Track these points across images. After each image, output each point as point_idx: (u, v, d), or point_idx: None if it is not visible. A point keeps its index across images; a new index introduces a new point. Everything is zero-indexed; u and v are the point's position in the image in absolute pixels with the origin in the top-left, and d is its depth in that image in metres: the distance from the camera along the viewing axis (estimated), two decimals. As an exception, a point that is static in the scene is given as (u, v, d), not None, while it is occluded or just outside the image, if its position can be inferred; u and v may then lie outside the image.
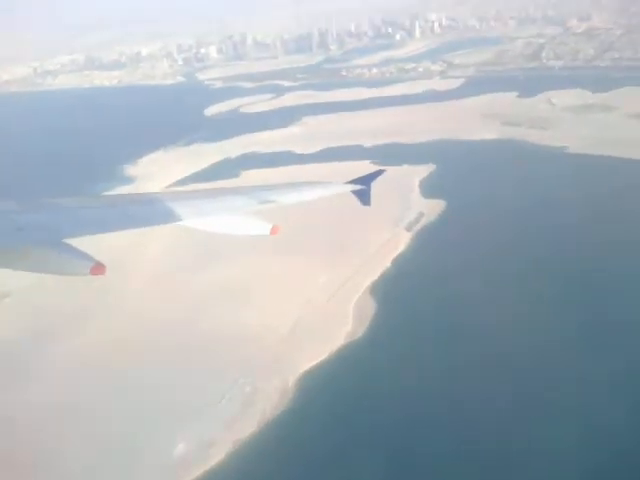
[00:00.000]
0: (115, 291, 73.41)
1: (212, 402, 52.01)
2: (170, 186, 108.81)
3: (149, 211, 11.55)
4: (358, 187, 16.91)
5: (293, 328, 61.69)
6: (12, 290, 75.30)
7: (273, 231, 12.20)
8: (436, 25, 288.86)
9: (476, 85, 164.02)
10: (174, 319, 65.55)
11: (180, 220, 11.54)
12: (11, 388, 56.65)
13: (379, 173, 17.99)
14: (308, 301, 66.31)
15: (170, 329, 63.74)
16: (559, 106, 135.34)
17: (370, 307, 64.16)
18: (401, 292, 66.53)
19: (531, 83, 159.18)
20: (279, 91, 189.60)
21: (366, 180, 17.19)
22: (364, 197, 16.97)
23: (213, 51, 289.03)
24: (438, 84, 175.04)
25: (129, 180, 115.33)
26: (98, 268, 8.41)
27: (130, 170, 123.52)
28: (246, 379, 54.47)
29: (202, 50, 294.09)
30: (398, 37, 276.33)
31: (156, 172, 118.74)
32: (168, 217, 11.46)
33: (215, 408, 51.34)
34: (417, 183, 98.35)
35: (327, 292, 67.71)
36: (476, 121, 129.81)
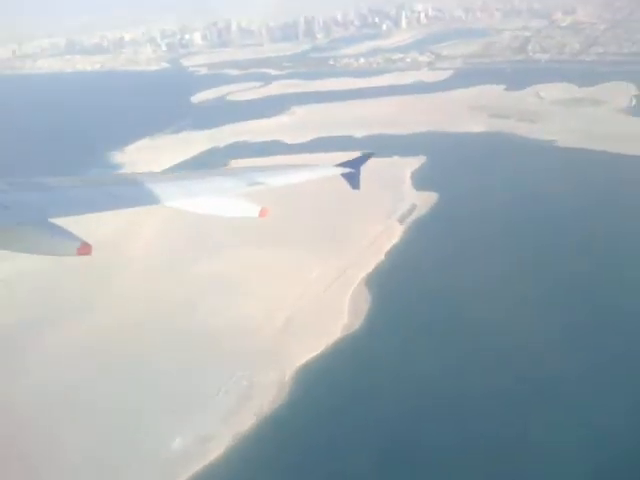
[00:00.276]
0: (105, 281, 72.39)
1: (209, 395, 51.43)
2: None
3: (138, 192, 11.32)
4: (347, 170, 16.61)
5: (288, 321, 61.26)
6: (3, 276, 73.76)
7: (262, 213, 12.04)
8: (422, 15, 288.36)
9: (464, 77, 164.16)
10: (165, 311, 64.71)
11: (168, 201, 11.38)
12: (6, 378, 55.66)
13: (368, 156, 17.84)
14: (303, 293, 65.88)
15: (162, 321, 62.90)
16: (547, 99, 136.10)
17: (365, 300, 63.96)
18: (396, 284, 66.44)
19: (519, 76, 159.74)
20: (266, 79, 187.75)
21: (355, 163, 16.88)
22: (353, 180, 16.67)
23: (197, 37, 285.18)
24: (426, 75, 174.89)
25: (116, 167, 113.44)
26: (84, 248, 8.25)
27: (117, 157, 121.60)
28: (243, 372, 53.96)
29: (186, 36, 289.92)
30: (385, 27, 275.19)
31: (144, 160, 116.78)
32: (156, 198, 11.26)
33: (212, 401, 50.79)
34: (408, 175, 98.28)
35: (321, 284, 67.34)
36: (465, 113, 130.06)
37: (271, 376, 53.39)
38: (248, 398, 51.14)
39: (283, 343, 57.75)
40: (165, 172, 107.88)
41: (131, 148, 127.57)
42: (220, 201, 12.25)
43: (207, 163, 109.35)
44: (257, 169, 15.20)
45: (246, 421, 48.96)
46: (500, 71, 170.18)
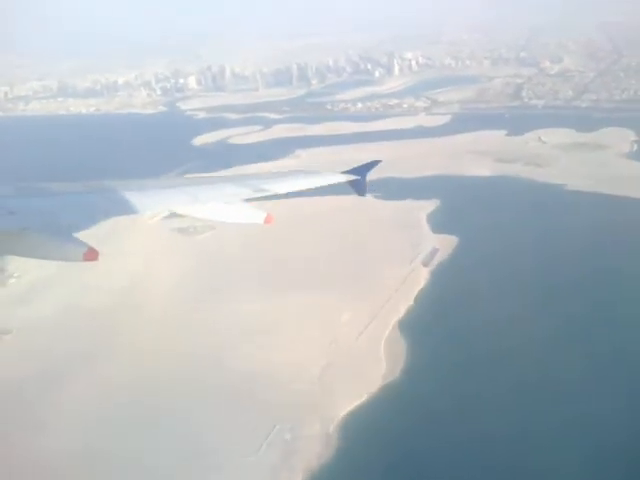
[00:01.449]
0: (123, 328, 69.81)
1: (251, 449, 48.83)
2: (168, 216, 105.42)
3: (144, 198, 11.37)
4: (353, 177, 16.84)
5: (324, 369, 59.13)
6: (13, 327, 70.87)
7: (267, 220, 12.32)
8: (413, 63, 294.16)
9: (463, 122, 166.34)
10: (192, 358, 62.32)
11: (174, 207, 11.70)
12: (14, 438, 52.14)
13: (374, 164, 18.11)
14: (335, 340, 63.99)
15: (190, 369, 60.47)
16: (549, 144, 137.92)
17: (401, 346, 62.21)
18: (430, 330, 65.02)
19: (517, 121, 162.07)
20: (266, 123, 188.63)
21: (361, 170, 17.17)
22: (359, 187, 17.12)
23: (192, 82, 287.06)
24: (425, 120, 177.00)
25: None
26: (91, 254, 8.20)
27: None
28: (284, 424, 51.49)
29: (181, 80, 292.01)
30: (377, 73, 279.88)
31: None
32: (162, 204, 11.65)
33: (256, 456, 48.16)
34: (424, 218, 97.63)
35: (354, 330, 65.56)
36: (470, 157, 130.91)
37: (315, 428, 51.04)
38: (293, 452, 48.62)
39: (323, 392, 55.58)
40: (171, 217, 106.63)
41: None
42: (226, 207, 12.36)
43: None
44: (263, 175, 15.90)
45: (294, 478, 46.34)
46: (498, 116, 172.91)
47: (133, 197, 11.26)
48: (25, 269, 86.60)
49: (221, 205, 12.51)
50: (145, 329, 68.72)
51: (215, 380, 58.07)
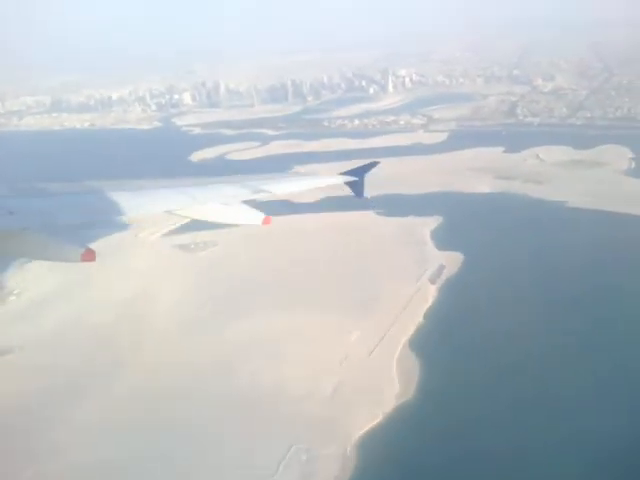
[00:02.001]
0: (126, 344, 68.67)
1: (268, 472, 47.76)
2: (168, 233, 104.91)
3: (143, 199, 11.35)
4: (351, 178, 16.87)
5: (337, 387, 58.34)
6: (15, 345, 69.47)
7: (265, 221, 12.37)
8: (407, 80, 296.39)
9: (461, 139, 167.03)
10: (202, 378, 61.32)
11: (173, 208, 11.63)
12: (12, 463, 50.75)
13: (373, 165, 17.95)
14: (346, 357, 63.27)
15: (200, 388, 59.46)
16: (547, 161, 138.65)
17: (414, 364, 61.53)
18: (441, 348, 64.32)
19: (514, 138, 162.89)
20: (263, 139, 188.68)
21: (359, 172, 17.13)
22: (357, 189, 17.05)
23: (187, 97, 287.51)
24: (423, 137, 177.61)
25: (123, 226, 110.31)
26: (88, 254, 8.30)
27: (123, 217, 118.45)
28: (299, 444, 50.54)
29: (175, 96, 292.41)
30: (372, 90, 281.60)
31: (152, 220, 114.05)
32: (161, 205, 11.50)
33: (273, 479, 47.05)
34: (428, 234, 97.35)
35: (364, 348, 64.86)
36: (470, 174, 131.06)
37: (331, 449, 50.09)
38: (311, 475, 47.69)
39: (336, 412, 54.68)
40: (176, 232, 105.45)
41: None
42: (224, 208, 12.37)
43: (218, 223, 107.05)
44: (262, 177, 15.36)
45: (314, 501, 45.43)
46: (494, 133, 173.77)
47: (131, 198, 11.13)
48: (25, 286, 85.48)
49: (219, 206, 12.43)
50: (147, 348, 67.61)
51: (225, 399, 57.10)
